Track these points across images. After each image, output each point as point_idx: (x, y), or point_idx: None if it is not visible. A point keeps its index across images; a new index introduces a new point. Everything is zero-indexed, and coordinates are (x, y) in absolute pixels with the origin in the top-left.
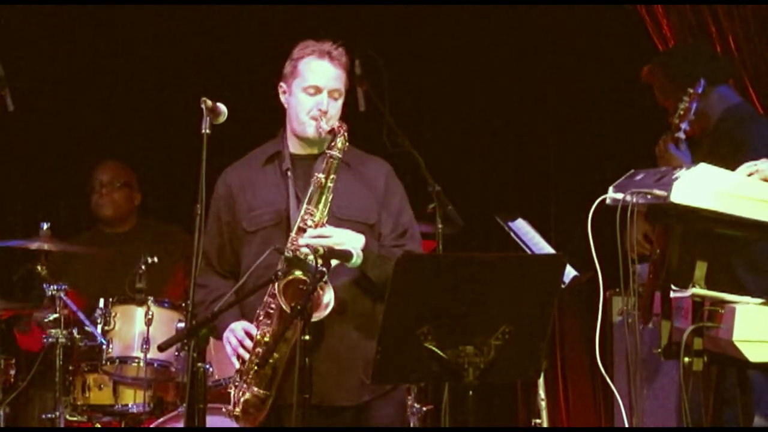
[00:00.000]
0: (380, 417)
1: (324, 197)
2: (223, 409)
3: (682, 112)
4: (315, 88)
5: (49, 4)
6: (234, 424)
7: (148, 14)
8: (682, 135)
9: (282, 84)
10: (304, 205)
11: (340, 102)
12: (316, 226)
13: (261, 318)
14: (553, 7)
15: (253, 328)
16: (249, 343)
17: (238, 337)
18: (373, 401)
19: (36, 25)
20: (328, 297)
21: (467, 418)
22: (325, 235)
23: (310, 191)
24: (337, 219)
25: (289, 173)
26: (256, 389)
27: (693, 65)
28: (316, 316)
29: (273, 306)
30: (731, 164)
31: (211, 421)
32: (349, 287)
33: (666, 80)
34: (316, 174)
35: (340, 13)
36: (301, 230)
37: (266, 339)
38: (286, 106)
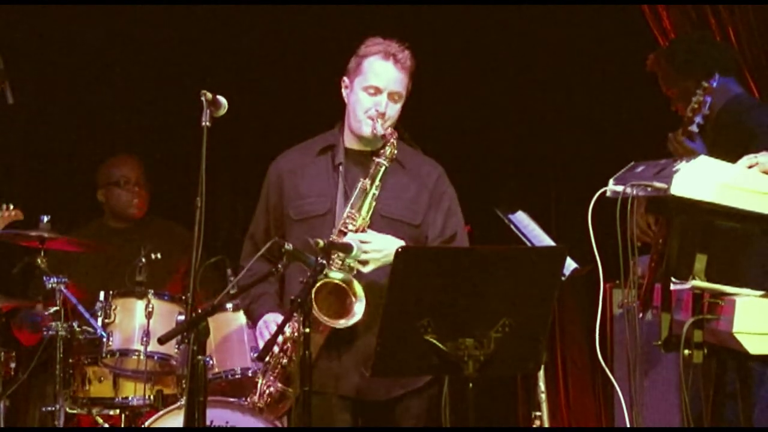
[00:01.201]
0: (411, 412)
1: (368, 202)
2: (248, 400)
3: (696, 106)
4: (375, 89)
5: None
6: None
7: (149, 8)
8: (695, 128)
9: (345, 79)
10: (347, 209)
11: (399, 105)
12: (357, 231)
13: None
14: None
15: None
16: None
17: (270, 330)
18: (404, 396)
19: (37, 19)
20: (360, 308)
21: (467, 411)
22: (365, 240)
23: (354, 194)
24: (380, 217)
25: (340, 167)
26: (279, 385)
27: (697, 55)
28: (342, 323)
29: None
30: (741, 154)
31: (211, 413)
32: (382, 286)
33: (671, 69)
34: (362, 179)
35: (342, 8)
36: (342, 233)
37: (295, 335)
38: (346, 100)
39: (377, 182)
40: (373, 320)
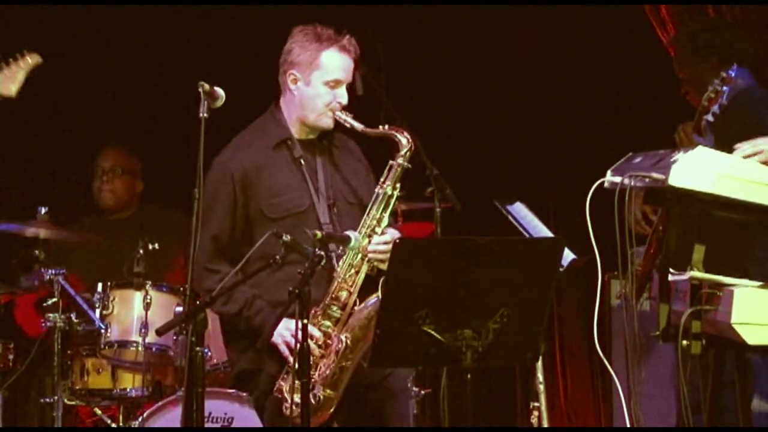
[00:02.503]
0: (394, 388)
1: (391, 205)
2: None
3: (713, 95)
4: (336, 82)
5: None
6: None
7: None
8: (710, 118)
9: (293, 72)
10: (372, 212)
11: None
12: (382, 234)
13: (319, 317)
14: None
15: (315, 330)
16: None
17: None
18: (389, 375)
19: (34, 11)
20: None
21: (465, 402)
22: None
23: (376, 200)
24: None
25: (302, 161)
26: (328, 390)
27: (719, 39)
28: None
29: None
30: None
31: (209, 405)
32: None
33: (689, 49)
34: (382, 184)
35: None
36: (368, 236)
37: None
38: (294, 93)
39: (398, 184)
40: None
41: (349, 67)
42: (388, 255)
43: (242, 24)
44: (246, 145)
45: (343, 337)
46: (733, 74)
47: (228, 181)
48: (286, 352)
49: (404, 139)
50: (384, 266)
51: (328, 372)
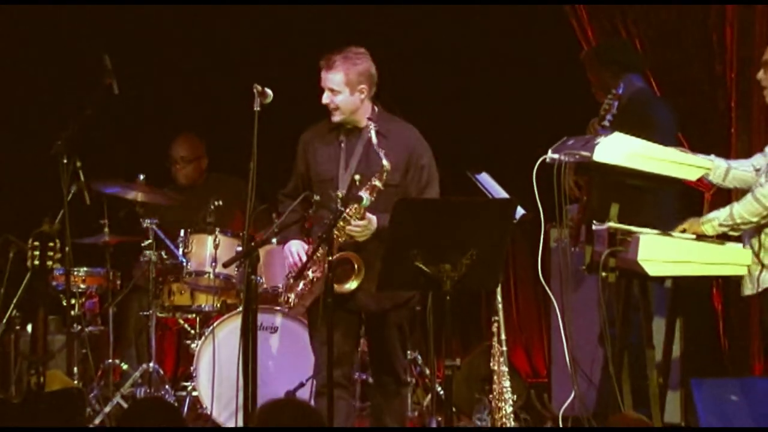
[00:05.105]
0: (394, 320)
1: (364, 201)
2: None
3: (607, 107)
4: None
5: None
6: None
7: (222, 8)
8: (606, 123)
9: None
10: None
11: (341, 96)
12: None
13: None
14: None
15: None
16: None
17: (293, 254)
18: (391, 309)
19: (133, 24)
20: (354, 283)
21: (446, 316)
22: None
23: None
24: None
25: (342, 144)
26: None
27: (616, 54)
28: (345, 288)
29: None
30: (637, 135)
31: (261, 317)
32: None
33: (596, 61)
34: (366, 189)
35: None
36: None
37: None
38: None
39: (374, 194)
40: (370, 264)
41: (324, 77)
42: (360, 232)
43: (293, 32)
44: (314, 127)
45: (316, 273)
46: (620, 92)
47: (299, 148)
48: (289, 260)
49: (386, 163)
50: (361, 238)
51: (299, 289)
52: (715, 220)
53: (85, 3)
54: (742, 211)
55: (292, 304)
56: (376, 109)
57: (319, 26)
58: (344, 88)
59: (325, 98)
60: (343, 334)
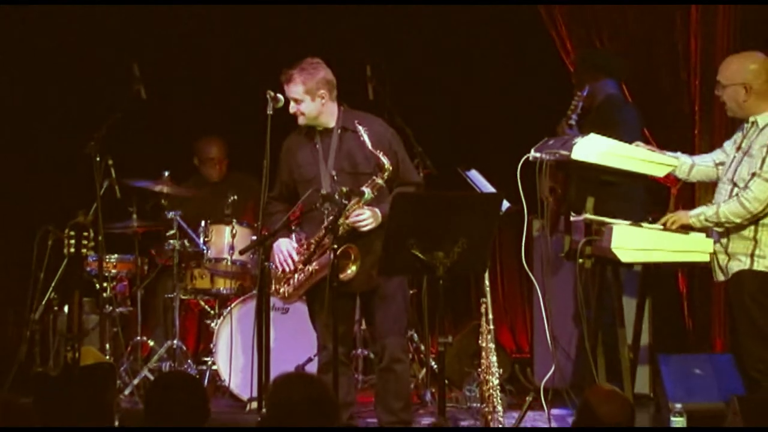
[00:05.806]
0: (382, 292)
1: (365, 197)
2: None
3: (573, 107)
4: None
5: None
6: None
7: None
8: (573, 122)
9: None
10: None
11: (304, 104)
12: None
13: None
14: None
15: (295, 255)
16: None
17: (281, 253)
18: (378, 285)
19: (162, 30)
20: (353, 269)
21: (438, 299)
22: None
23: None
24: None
25: (317, 145)
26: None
27: (595, 59)
28: (344, 276)
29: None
30: (607, 135)
31: (273, 300)
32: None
33: (579, 66)
34: (369, 185)
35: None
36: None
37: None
38: None
39: (375, 191)
40: (367, 249)
41: (287, 89)
42: (362, 223)
43: (303, 37)
44: (292, 135)
45: (314, 266)
46: (584, 94)
47: (281, 155)
48: (279, 257)
49: (387, 162)
50: (365, 229)
51: (295, 280)
52: (702, 215)
53: (116, 8)
54: (727, 211)
55: (286, 294)
56: (342, 108)
57: (319, 28)
58: (305, 96)
59: (291, 108)
60: (340, 317)
